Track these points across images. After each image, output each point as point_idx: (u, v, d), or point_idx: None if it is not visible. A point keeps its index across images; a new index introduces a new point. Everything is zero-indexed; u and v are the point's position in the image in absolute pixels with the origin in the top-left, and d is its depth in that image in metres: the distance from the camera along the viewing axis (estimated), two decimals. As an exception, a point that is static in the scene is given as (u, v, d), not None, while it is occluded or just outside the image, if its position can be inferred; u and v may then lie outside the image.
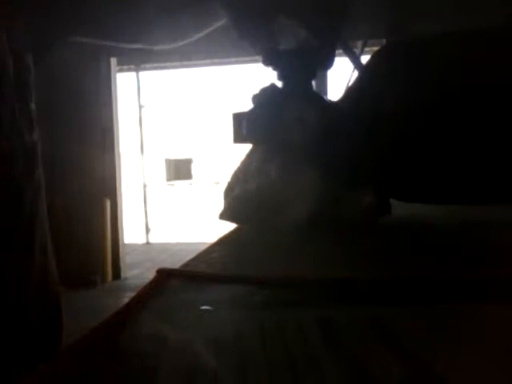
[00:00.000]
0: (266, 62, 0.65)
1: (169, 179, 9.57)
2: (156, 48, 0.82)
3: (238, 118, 0.64)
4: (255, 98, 0.65)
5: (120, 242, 4.49)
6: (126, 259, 4.66)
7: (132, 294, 0.35)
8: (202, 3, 0.70)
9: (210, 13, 0.71)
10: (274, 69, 0.66)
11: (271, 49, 0.65)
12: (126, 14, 0.71)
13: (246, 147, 0.68)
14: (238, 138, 0.65)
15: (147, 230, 6.41)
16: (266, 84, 0.67)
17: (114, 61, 4.00)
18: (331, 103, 0.68)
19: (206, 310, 0.31)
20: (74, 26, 0.72)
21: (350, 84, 0.73)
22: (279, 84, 0.67)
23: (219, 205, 0.68)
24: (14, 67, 0.63)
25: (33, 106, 0.70)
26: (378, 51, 0.72)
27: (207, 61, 4.04)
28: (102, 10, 0.70)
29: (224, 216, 0.66)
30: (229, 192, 0.67)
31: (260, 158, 0.64)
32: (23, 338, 0.63)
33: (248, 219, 0.65)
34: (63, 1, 0.70)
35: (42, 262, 0.69)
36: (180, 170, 9.67)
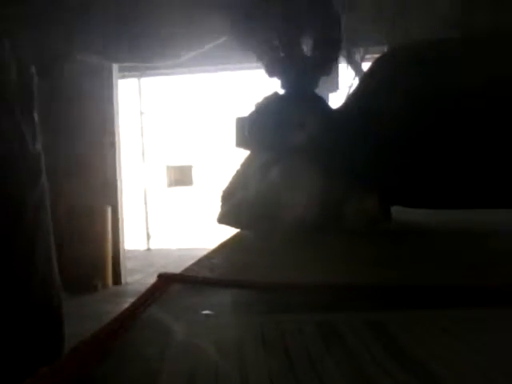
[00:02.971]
0: (269, 71, 0.66)
1: (170, 185, 9.58)
2: (160, 64, 0.83)
3: (241, 123, 0.64)
4: (258, 106, 0.66)
5: (121, 248, 4.49)
6: (126, 265, 4.66)
7: (132, 300, 0.35)
8: (202, 21, 0.71)
9: (210, 30, 0.71)
10: (277, 77, 0.66)
11: (273, 57, 0.65)
12: (128, 33, 0.72)
13: (247, 152, 0.68)
14: (240, 142, 0.65)
15: (148, 236, 6.41)
16: (269, 92, 0.67)
17: (115, 67, 4.02)
18: (333, 109, 0.68)
19: (207, 314, 0.31)
20: (78, 44, 0.73)
21: (351, 90, 0.73)
22: (282, 92, 0.67)
23: (217, 208, 0.68)
24: (18, 77, 0.64)
25: (36, 116, 0.70)
26: (380, 57, 0.72)
27: (209, 67, 4.06)
28: (106, 30, 0.71)
29: (223, 220, 0.66)
30: (228, 196, 0.67)
31: (261, 162, 0.64)
32: (25, 344, 0.63)
33: (248, 224, 0.65)
34: (69, 19, 0.70)
35: (44, 272, 0.69)
36: (181, 176, 9.67)
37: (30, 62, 0.65)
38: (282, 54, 0.64)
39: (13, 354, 0.60)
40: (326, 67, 0.66)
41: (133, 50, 0.76)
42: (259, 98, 0.66)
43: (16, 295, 0.62)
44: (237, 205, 0.65)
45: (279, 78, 0.66)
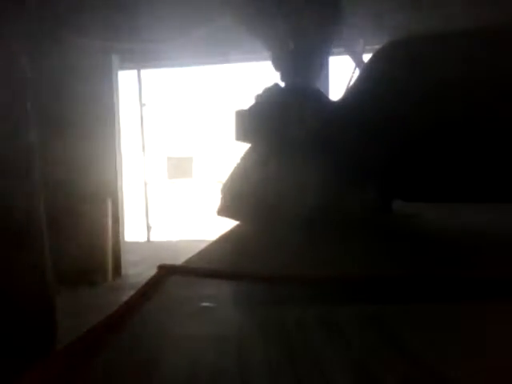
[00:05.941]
0: (275, 63, 0.66)
1: (170, 177, 9.56)
2: (155, 46, 0.82)
3: (241, 116, 0.64)
4: (258, 98, 0.66)
5: (121, 240, 4.49)
6: (127, 257, 4.66)
7: (132, 292, 0.35)
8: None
9: (209, 10, 0.71)
10: (278, 69, 0.66)
11: (279, 48, 0.65)
12: (125, 14, 0.71)
13: (247, 145, 0.68)
14: (240, 135, 0.65)
15: (148, 228, 6.40)
16: (269, 84, 0.67)
17: (115, 58, 3.99)
18: (333, 102, 0.68)
19: (207, 306, 0.31)
20: (72, 28, 0.72)
21: (351, 83, 0.73)
22: (282, 84, 0.67)
23: (217, 201, 0.68)
24: (11, 68, 0.63)
25: (29, 105, 0.69)
26: (380, 50, 0.72)
27: (208, 59, 4.03)
28: (102, 12, 0.70)
29: (223, 212, 0.66)
30: (228, 188, 0.67)
31: (261, 155, 0.64)
32: (16, 333, 0.63)
33: (248, 216, 0.65)
34: (62, 3, 0.70)
35: (38, 261, 0.69)
36: (181, 168, 9.66)
37: (21, 51, 0.65)
38: (287, 46, 0.64)
39: (5, 340, 0.60)
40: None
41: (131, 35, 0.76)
42: (259, 90, 0.66)
43: (6, 287, 0.62)
44: (236, 197, 0.65)
45: (279, 71, 0.66)
